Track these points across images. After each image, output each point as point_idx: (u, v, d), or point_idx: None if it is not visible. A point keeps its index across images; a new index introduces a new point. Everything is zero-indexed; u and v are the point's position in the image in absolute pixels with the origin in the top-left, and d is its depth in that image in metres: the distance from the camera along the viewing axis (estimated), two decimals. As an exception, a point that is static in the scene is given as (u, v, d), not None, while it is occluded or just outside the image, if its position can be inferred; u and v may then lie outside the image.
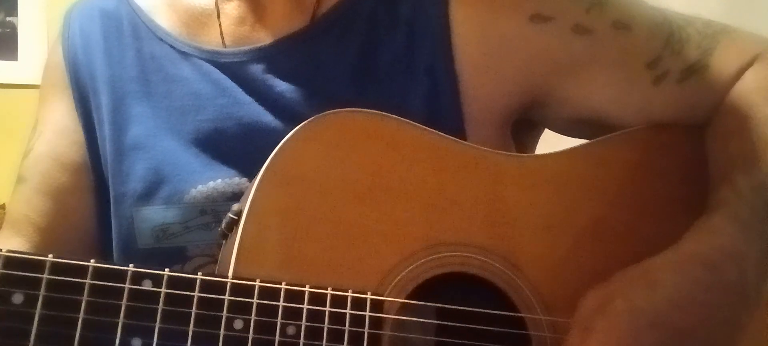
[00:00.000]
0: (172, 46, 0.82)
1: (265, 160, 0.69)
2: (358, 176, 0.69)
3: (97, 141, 0.83)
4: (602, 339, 0.62)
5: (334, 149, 0.69)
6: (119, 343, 0.58)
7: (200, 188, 0.77)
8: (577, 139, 0.83)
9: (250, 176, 0.76)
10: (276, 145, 0.69)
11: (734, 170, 0.70)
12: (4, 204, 1.72)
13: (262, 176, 0.67)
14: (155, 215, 0.78)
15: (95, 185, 0.82)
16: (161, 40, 0.82)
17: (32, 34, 2.10)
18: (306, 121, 0.69)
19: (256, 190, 0.67)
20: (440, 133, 0.72)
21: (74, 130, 0.83)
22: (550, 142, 0.86)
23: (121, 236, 0.80)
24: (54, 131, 0.84)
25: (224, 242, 0.72)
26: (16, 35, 2.11)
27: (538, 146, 0.90)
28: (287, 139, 0.68)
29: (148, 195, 0.78)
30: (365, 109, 0.71)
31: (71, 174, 0.83)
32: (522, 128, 0.83)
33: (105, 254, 0.81)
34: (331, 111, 0.70)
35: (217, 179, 0.77)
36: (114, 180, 0.80)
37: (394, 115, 0.71)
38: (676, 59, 0.77)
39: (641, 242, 0.70)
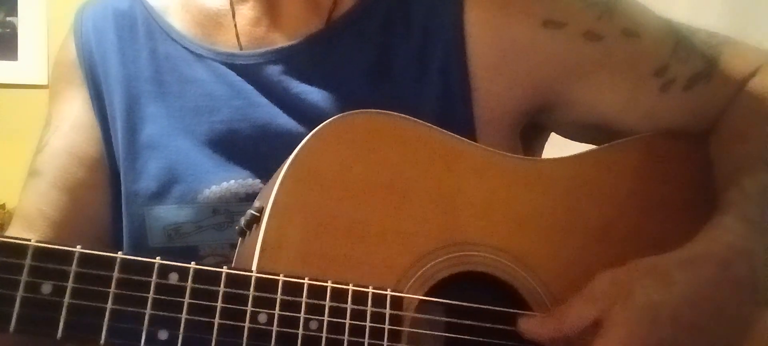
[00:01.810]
0: (186, 48, 0.82)
1: (279, 162, 0.70)
2: (378, 175, 0.70)
3: (111, 137, 0.83)
4: (623, 333, 0.64)
5: (355, 149, 0.70)
6: (146, 334, 0.59)
7: (214, 188, 0.77)
8: (584, 144, 0.85)
9: (264, 177, 0.76)
10: (291, 146, 0.69)
11: (740, 173, 0.73)
12: (4, 204, 1.71)
13: (285, 173, 0.68)
14: (168, 214, 0.78)
15: (110, 180, 0.83)
16: (175, 41, 0.83)
17: (32, 34, 2.08)
18: (328, 121, 0.70)
19: (279, 187, 0.67)
20: (454, 135, 0.74)
21: (91, 126, 0.83)
22: (558, 146, 0.87)
23: (132, 234, 0.80)
24: (71, 126, 0.84)
25: (242, 239, 0.73)
26: (16, 35, 2.10)
27: (544, 150, 0.92)
28: (309, 138, 0.69)
29: (160, 194, 0.79)
30: (384, 111, 0.72)
31: (88, 169, 0.83)
32: (529, 132, 0.84)
33: (118, 250, 0.81)
34: (352, 112, 0.71)
35: (230, 180, 0.77)
36: (126, 178, 0.81)
37: (411, 117, 0.73)
38: (682, 67, 0.79)
39: (648, 245, 0.71)
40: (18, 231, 0.82)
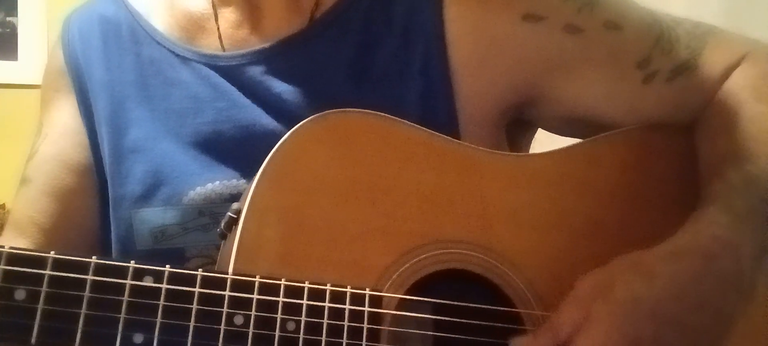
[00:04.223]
0: (170, 50, 0.83)
1: (263, 162, 0.70)
2: (355, 174, 0.70)
3: (98, 143, 0.83)
4: (604, 328, 0.63)
5: (331, 148, 0.70)
6: (121, 338, 0.59)
7: (198, 189, 0.78)
8: (570, 139, 0.84)
9: (249, 177, 0.76)
10: (274, 147, 0.69)
11: (724, 165, 0.72)
12: (4, 204, 1.72)
13: (261, 174, 0.68)
14: (154, 216, 0.79)
15: (98, 186, 0.83)
16: (160, 44, 0.83)
17: (32, 34, 2.10)
18: (303, 121, 0.70)
19: (255, 188, 0.67)
20: (435, 132, 0.73)
21: (78, 132, 0.84)
22: (543, 143, 0.87)
23: (119, 238, 0.81)
24: (59, 133, 0.85)
25: (223, 241, 0.73)
26: (16, 35, 2.11)
27: (531, 148, 0.91)
28: (285, 139, 0.69)
29: (146, 197, 0.79)
30: (361, 110, 0.72)
31: (76, 175, 0.84)
32: (515, 129, 0.84)
33: (107, 255, 0.81)
34: (328, 111, 0.71)
35: (215, 181, 0.78)
36: (113, 182, 0.81)
37: (390, 115, 0.72)
38: (665, 59, 0.78)
39: (634, 239, 0.70)
40: (10, 238, 0.83)
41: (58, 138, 0.85)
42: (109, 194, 0.82)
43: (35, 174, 0.84)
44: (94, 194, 0.84)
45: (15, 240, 0.82)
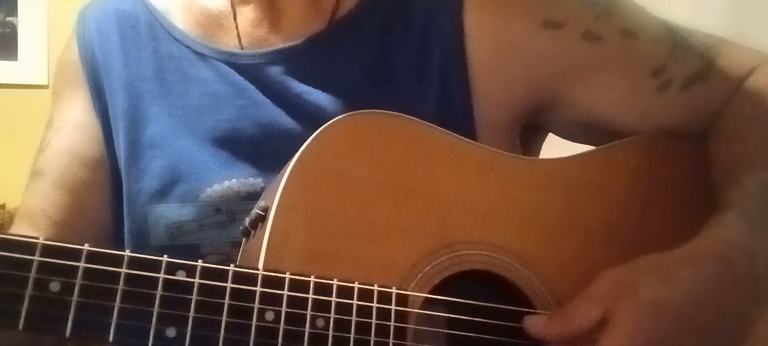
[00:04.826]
0: (188, 47, 0.83)
1: (281, 161, 0.71)
2: (381, 175, 0.71)
3: (113, 138, 0.83)
4: (630, 329, 0.64)
5: (358, 149, 0.71)
6: (154, 331, 0.59)
7: (215, 187, 0.78)
8: (582, 146, 0.85)
9: (266, 176, 0.77)
10: (292, 146, 0.70)
11: (739, 171, 0.74)
12: (4, 204, 1.71)
13: (290, 173, 0.68)
14: (170, 212, 0.78)
15: (111, 180, 0.83)
16: (178, 40, 0.83)
17: (32, 34, 2.08)
18: (331, 121, 0.70)
19: (284, 187, 0.68)
20: (456, 134, 0.74)
21: (92, 126, 0.84)
22: (557, 148, 0.88)
23: (133, 233, 0.80)
24: (72, 127, 0.84)
25: (246, 239, 0.73)
26: (16, 35, 2.10)
27: (542, 152, 0.92)
28: (313, 139, 0.70)
29: (163, 193, 0.79)
30: (386, 111, 0.72)
31: (88, 169, 0.83)
32: (527, 133, 0.85)
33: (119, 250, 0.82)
34: (355, 112, 0.71)
35: (232, 179, 0.78)
36: (129, 177, 0.81)
37: (413, 117, 0.73)
38: (679, 68, 0.80)
39: (649, 243, 0.71)
40: (22, 230, 0.82)
41: (70, 131, 0.84)
42: (124, 189, 0.81)
43: (48, 167, 0.84)
44: (107, 188, 0.84)
45: (27, 232, 0.81)
